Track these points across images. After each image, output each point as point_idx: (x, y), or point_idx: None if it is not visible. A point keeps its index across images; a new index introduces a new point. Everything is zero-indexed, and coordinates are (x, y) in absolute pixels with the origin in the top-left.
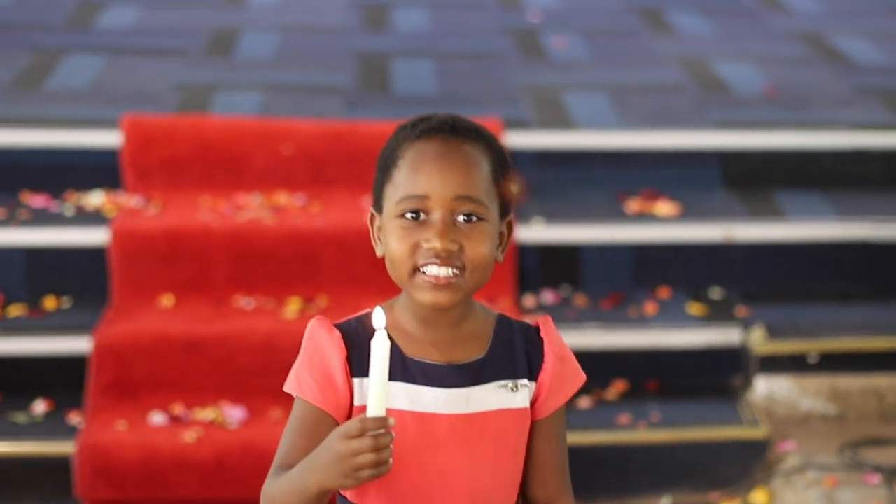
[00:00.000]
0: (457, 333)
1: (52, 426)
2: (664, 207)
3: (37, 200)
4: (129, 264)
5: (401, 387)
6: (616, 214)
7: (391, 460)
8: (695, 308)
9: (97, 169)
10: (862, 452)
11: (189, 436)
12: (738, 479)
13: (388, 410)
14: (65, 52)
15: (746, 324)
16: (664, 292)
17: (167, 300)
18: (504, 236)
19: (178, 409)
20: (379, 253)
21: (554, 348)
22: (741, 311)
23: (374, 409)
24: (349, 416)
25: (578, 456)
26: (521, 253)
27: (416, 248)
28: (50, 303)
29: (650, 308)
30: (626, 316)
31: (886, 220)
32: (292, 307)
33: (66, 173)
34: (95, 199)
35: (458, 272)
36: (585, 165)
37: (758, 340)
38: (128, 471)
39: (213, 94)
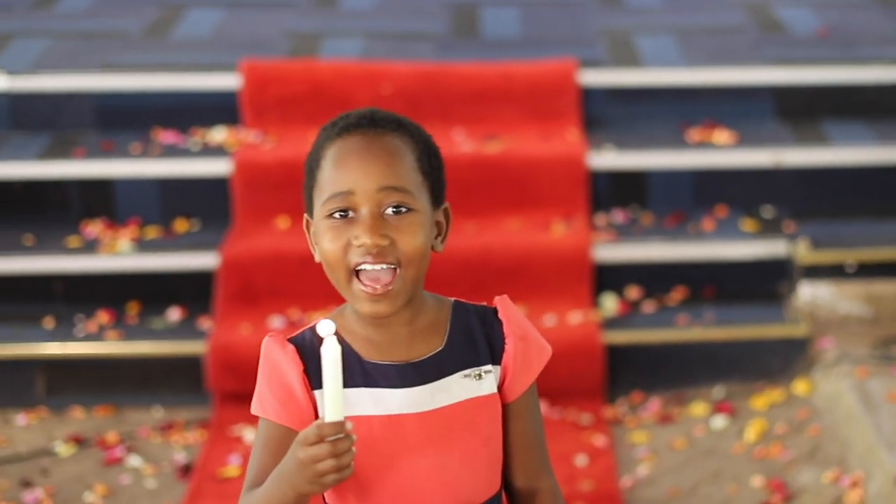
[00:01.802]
0: (412, 330)
1: (186, 330)
2: (722, 136)
3: (166, 137)
4: (249, 191)
5: (364, 392)
6: (679, 143)
7: (353, 464)
8: (748, 224)
9: (219, 108)
10: (892, 348)
11: None
12: (782, 371)
13: (355, 417)
14: (187, 6)
15: (793, 237)
16: (721, 211)
17: (283, 222)
18: (442, 225)
19: (294, 313)
20: (317, 258)
21: (514, 329)
22: (789, 226)
23: (331, 415)
24: None
25: (643, 353)
26: (594, 177)
27: (347, 246)
28: (180, 225)
29: (708, 224)
30: (686, 232)
31: None
32: None
33: (191, 112)
34: (218, 134)
35: (392, 267)
36: (652, 100)
37: (802, 252)
38: (252, 367)
39: (320, 41)
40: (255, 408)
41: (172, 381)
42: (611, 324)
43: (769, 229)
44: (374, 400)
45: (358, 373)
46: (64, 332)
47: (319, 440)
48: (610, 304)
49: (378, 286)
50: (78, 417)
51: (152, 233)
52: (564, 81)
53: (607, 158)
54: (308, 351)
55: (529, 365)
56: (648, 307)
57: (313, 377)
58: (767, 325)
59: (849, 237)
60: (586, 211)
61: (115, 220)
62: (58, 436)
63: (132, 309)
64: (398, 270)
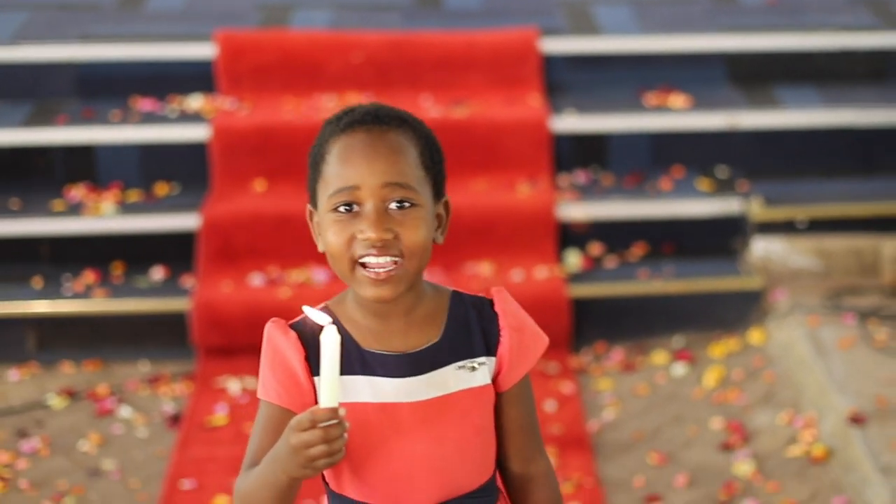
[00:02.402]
0: (410, 320)
1: (169, 288)
2: (678, 100)
3: (145, 104)
4: (227, 156)
5: (362, 380)
6: (636, 107)
7: (344, 450)
8: (703, 184)
9: (195, 77)
10: (841, 299)
11: (283, 292)
12: (738, 322)
13: (351, 403)
14: None
15: (746, 196)
16: (678, 171)
17: (259, 185)
18: (442, 218)
19: (273, 271)
20: (320, 248)
21: (510, 321)
22: (742, 185)
23: (325, 401)
24: None
25: (605, 306)
26: (556, 140)
27: (352, 240)
28: (161, 189)
29: (666, 184)
30: (645, 191)
31: (867, 108)
32: None
33: (168, 81)
34: (195, 102)
35: (396, 260)
36: (611, 66)
37: (756, 209)
38: (233, 322)
39: (290, 12)
40: (259, 390)
41: (158, 336)
42: (575, 278)
43: (724, 188)
44: (371, 387)
45: (356, 360)
46: (52, 292)
47: (312, 426)
48: (574, 259)
49: (381, 271)
50: (68, 372)
51: (134, 196)
52: (526, 49)
53: (568, 122)
54: (309, 337)
55: (525, 355)
56: (610, 262)
57: (314, 363)
58: (723, 278)
59: (799, 195)
60: (550, 172)
61: (98, 184)
62: (50, 389)
63: (117, 269)
64: (401, 262)
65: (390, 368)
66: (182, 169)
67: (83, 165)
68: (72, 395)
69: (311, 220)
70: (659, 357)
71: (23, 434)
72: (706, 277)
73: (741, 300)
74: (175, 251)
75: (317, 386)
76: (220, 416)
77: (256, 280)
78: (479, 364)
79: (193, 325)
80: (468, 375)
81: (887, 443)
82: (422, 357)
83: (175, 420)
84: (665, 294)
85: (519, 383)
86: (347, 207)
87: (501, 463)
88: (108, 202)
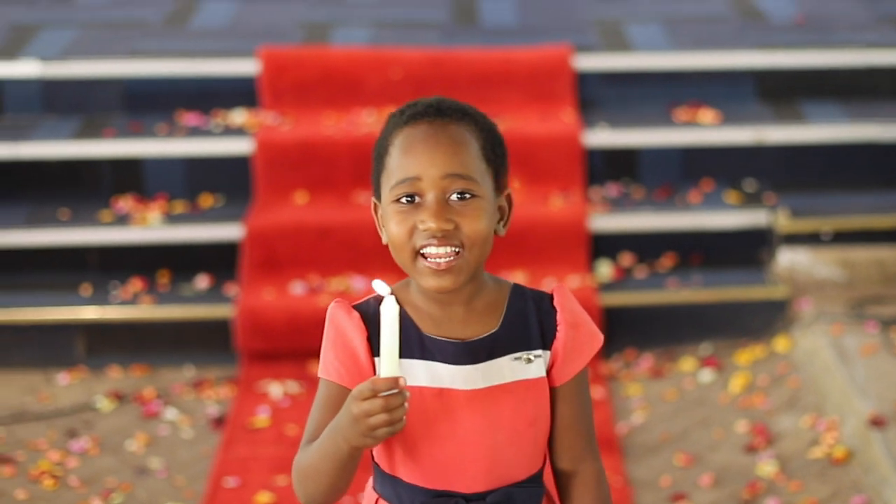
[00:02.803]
0: (470, 309)
1: (213, 296)
2: (707, 116)
3: (190, 119)
4: (269, 169)
5: (420, 364)
6: (667, 122)
7: (405, 419)
8: (732, 196)
9: (239, 92)
10: (864, 308)
11: (323, 300)
12: (763, 330)
13: (409, 387)
14: None
15: (773, 208)
16: (707, 184)
17: (301, 197)
18: (504, 210)
19: (314, 280)
20: (384, 240)
21: (567, 317)
22: (769, 198)
23: (386, 371)
24: None
25: (635, 314)
26: (589, 154)
27: (413, 230)
28: (206, 200)
29: (695, 197)
30: (675, 203)
31: (891, 123)
32: None
33: (213, 96)
34: (239, 116)
35: (457, 250)
36: (642, 82)
37: (782, 221)
38: (275, 328)
39: (331, 30)
40: (320, 369)
41: (202, 342)
42: (606, 287)
43: (751, 201)
44: (429, 372)
45: (416, 345)
46: (100, 299)
47: (373, 395)
48: (605, 269)
49: (442, 262)
50: (116, 376)
51: (179, 207)
52: (560, 66)
53: (601, 137)
54: (371, 318)
55: (580, 352)
56: (640, 272)
57: (375, 344)
58: (750, 287)
59: (825, 208)
60: (582, 185)
61: (145, 195)
62: (98, 392)
63: (163, 277)
64: (462, 253)
65: (448, 355)
66: (226, 181)
67: (130, 177)
68: (119, 398)
69: (376, 212)
70: (687, 364)
71: (72, 434)
72: (733, 287)
73: (767, 309)
74: (219, 260)
75: (377, 365)
76: (262, 418)
77: (298, 288)
78: (535, 357)
79: (237, 331)
80: (523, 367)
81: None
82: (480, 346)
83: (219, 422)
84: (693, 303)
85: (573, 380)
86: (409, 198)
87: (552, 460)
88: (154, 213)
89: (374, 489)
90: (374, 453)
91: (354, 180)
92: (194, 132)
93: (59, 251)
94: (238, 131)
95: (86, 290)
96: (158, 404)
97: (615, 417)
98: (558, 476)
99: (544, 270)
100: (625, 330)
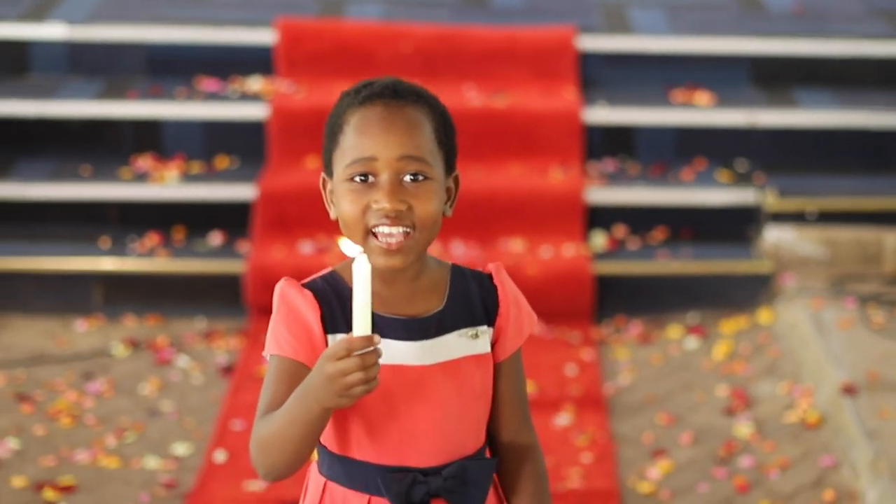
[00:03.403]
0: (415, 288)
1: (226, 252)
2: (702, 98)
3: (209, 84)
4: (283, 134)
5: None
6: (664, 102)
7: (378, 377)
8: (723, 175)
9: (256, 60)
10: (844, 285)
11: (330, 258)
12: (748, 302)
13: None
14: None
15: (762, 188)
16: (700, 163)
17: (312, 161)
18: (451, 191)
19: (322, 240)
20: (333, 215)
21: (508, 295)
22: (759, 178)
23: (360, 329)
24: None
25: (626, 283)
26: (588, 130)
27: (366, 209)
28: (221, 162)
29: (688, 174)
30: (668, 180)
31: (878, 111)
32: None
33: (231, 63)
34: (255, 83)
35: (408, 231)
36: (641, 64)
37: (770, 200)
38: None
39: (346, 4)
40: (270, 348)
41: (214, 295)
42: (600, 257)
43: (741, 180)
44: (381, 349)
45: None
46: (118, 251)
47: (348, 354)
48: (599, 240)
49: (392, 241)
50: (131, 325)
51: (196, 167)
52: (564, 46)
53: (600, 114)
54: (322, 296)
55: (521, 328)
56: (633, 244)
57: (327, 321)
58: (737, 261)
59: (811, 189)
60: (580, 159)
61: (163, 155)
62: (114, 339)
63: (178, 233)
64: (412, 233)
65: (399, 331)
66: (241, 144)
67: (150, 138)
68: (134, 345)
69: (325, 188)
70: (673, 331)
71: (88, 377)
72: (721, 260)
73: (752, 282)
74: (232, 219)
75: (329, 342)
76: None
77: (306, 247)
78: (481, 332)
79: (247, 286)
80: (470, 343)
81: (875, 411)
82: (428, 323)
83: (228, 370)
84: (682, 274)
85: (513, 356)
86: (363, 178)
87: (490, 433)
88: (171, 172)
89: (321, 473)
90: (325, 436)
91: None
92: (212, 97)
93: (80, 205)
94: (254, 97)
95: (105, 242)
96: (171, 352)
97: (603, 378)
98: (497, 448)
99: (541, 239)
100: (616, 297)
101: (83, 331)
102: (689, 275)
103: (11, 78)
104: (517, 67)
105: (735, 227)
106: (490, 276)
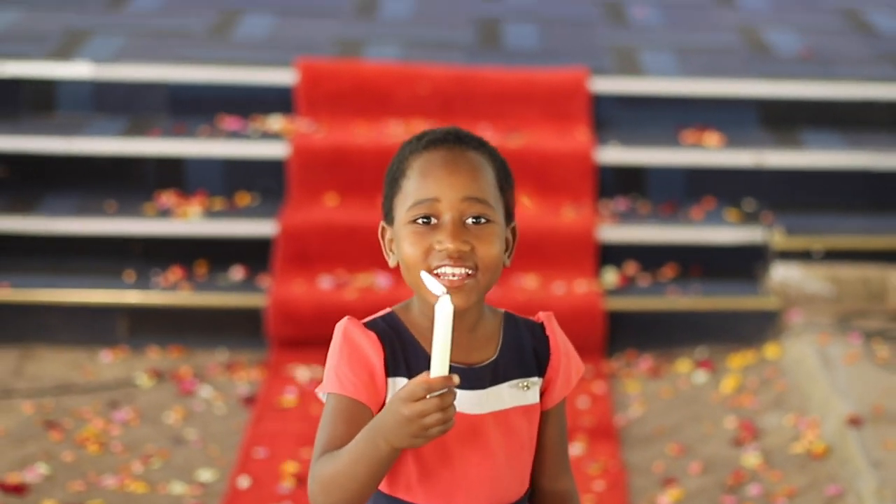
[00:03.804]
0: (471, 338)
1: (247, 287)
2: (712, 139)
3: (230, 123)
4: (303, 171)
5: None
6: (674, 143)
7: (454, 418)
8: (732, 214)
9: (276, 99)
10: (849, 321)
11: (349, 293)
12: (755, 337)
13: None
14: (242, 12)
15: (769, 227)
16: (709, 202)
17: (331, 198)
18: (509, 242)
19: (341, 275)
20: (392, 263)
21: (560, 346)
22: (767, 217)
23: (438, 370)
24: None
25: (637, 319)
26: (600, 170)
27: (429, 251)
28: (242, 199)
29: (697, 213)
30: (678, 219)
31: (884, 153)
32: None
33: (252, 103)
34: (275, 122)
35: (470, 272)
36: (652, 106)
37: (777, 239)
38: (304, 318)
39: (364, 47)
40: (330, 386)
41: (235, 328)
42: (611, 293)
43: (749, 219)
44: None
45: (425, 366)
46: (142, 285)
47: (426, 395)
48: (611, 276)
49: (455, 279)
50: (155, 356)
51: (218, 204)
52: (577, 87)
53: (612, 154)
54: (385, 337)
55: (568, 379)
56: (644, 281)
57: (389, 364)
58: (745, 298)
59: (817, 228)
60: (593, 198)
61: (186, 191)
62: (138, 370)
63: (201, 267)
64: (475, 274)
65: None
66: (262, 182)
67: (173, 175)
68: (158, 375)
69: (383, 237)
70: (683, 365)
71: (114, 406)
72: (729, 297)
73: (760, 318)
74: (253, 254)
75: (390, 387)
76: (289, 398)
77: (326, 282)
78: (532, 384)
79: (268, 319)
80: (521, 394)
81: (880, 442)
82: (483, 372)
83: (249, 400)
84: (691, 310)
85: (559, 405)
86: (426, 220)
87: (532, 478)
88: (194, 208)
89: None
90: None
91: (381, 185)
92: (234, 135)
93: (105, 240)
94: (274, 136)
95: (129, 276)
96: (194, 382)
97: (614, 410)
98: (538, 494)
99: (554, 275)
100: (627, 332)
101: (108, 362)
102: (699, 311)
103: (38, 115)
104: (531, 108)
105: (743, 264)
106: (542, 326)
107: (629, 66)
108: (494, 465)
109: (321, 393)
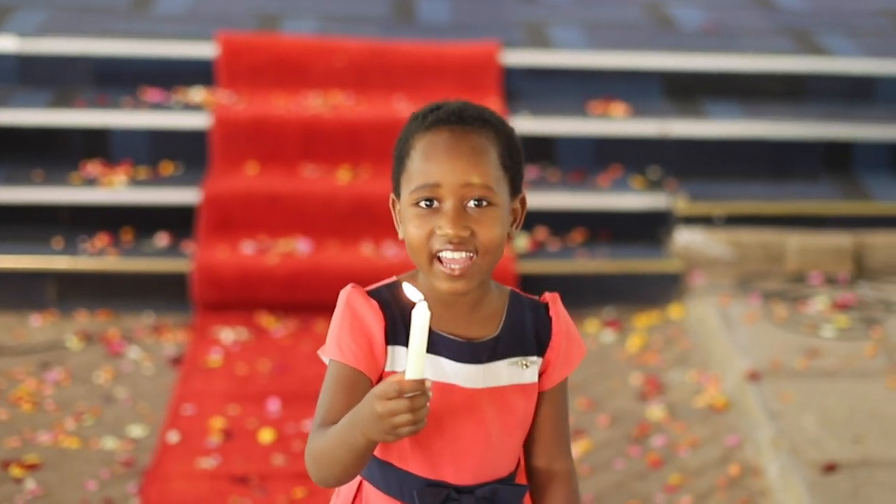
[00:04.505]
0: (474, 312)
1: (172, 253)
2: (618, 109)
3: (153, 94)
4: (225, 141)
5: (427, 357)
6: (582, 113)
7: (426, 419)
8: (637, 182)
9: (197, 72)
10: (749, 283)
11: (270, 258)
12: (660, 299)
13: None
14: None
15: (673, 193)
16: (616, 170)
17: (252, 167)
18: (517, 212)
19: (263, 241)
20: (400, 235)
21: (562, 326)
22: (671, 184)
23: (412, 373)
24: (380, 380)
25: (547, 281)
26: None
27: (431, 234)
28: (166, 168)
29: (604, 181)
30: (586, 186)
31: (782, 122)
32: (343, 173)
33: (174, 75)
34: (197, 94)
35: (471, 255)
36: (561, 78)
37: (681, 205)
38: (227, 282)
39: (282, 20)
40: (330, 351)
41: (161, 293)
42: (523, 257)
43: (654, 186)
44: (434, 366)
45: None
46: (70, 251)
47: (399, 395)
48: (522, 241)
49: (456, 267)
50: (83, 320)
51: (142, 173)
52: (488, 60)
53: (523, 124)
54: (387, 308)
55: (569, 360)
56: (553, 245)
57: (390, 333)
58: (650, 261)
59: (719, 194)
60: None
61: (111, 161)
62: (68, 332)
63: (127, 234)
64: (475, 258)
65: (454, 352)
66: (184, 151)
67: (98, 145)
68: (87, 338)
69: (394, 207)
70: (591, 325)
71: (46, 367)
72: (635, 260)
73: (664, 281)
74: (177, 221)
75: (388, 354)
76: (215, 357)
77: (248, 248)
78: (531, 363)
79: (193, 283)
80: (519, 372)
81: (777, 395)
82: (482, 348)
83: (176, 361)
84: (599, 273)
85: (559, 385)
86: (428, 203)
87: (527, 458)
88: (119, 177)
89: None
90: None
91: (301, 154)
92: (157, 106)
93: (33, 208)
94: (196, 107)
95: (58, 243)
96: (122, 344)
97: None
98: (532, 474)
99: None
100: (537, 294)
101: (38, 325)
102: (606, 273)
103: None
104: (444, 80)
105: (648, 229)
106: (546, 306)
107: (539, 40)
108: (486, 439)
109: (324, 356)
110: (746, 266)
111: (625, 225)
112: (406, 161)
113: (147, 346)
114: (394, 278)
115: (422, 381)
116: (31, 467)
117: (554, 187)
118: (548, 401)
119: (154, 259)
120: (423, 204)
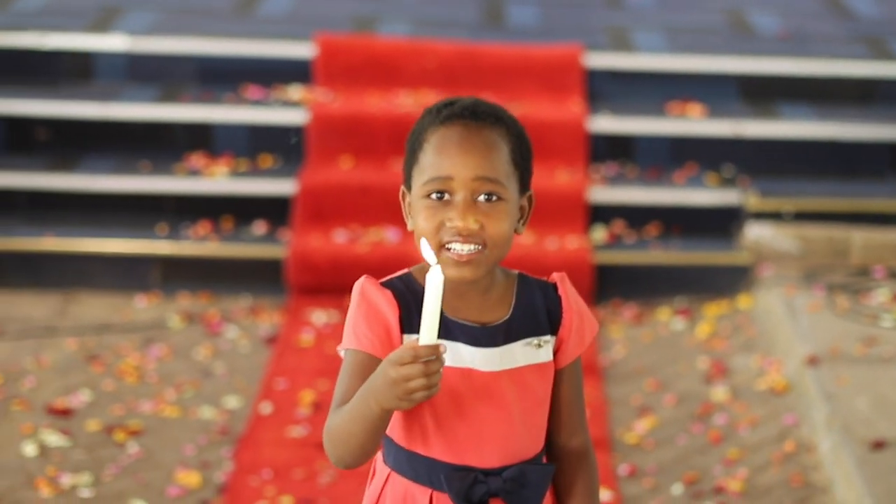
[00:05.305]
0: (484, 299)
1: (269, 240)
2: (695, 110)
3: (254, 92)
4: (321, 136)
5: (445, 344)
6: (660, 114)
7: (440, 384)
8: (711, 179)
9: (296, 71)
10: (815, 276)
11: (361, 246)
12: (729, 289)
13: None
14: None
15: (745, 190)
16: (691, 168)
17: (346, 161)
18: (525, 210)
19: (355, 230)
20: (410, 227)
21: (572, 305)
22: (743, 181)
23: (426, 338)
24: None
25: (622, 272)
26: (592, 138)
27: (440, 226)
28: (265, 160)
29: (680, 178)
30: (662, 182)
31: (852, 125)
32: None
33: (273, 73)
34: (295, 92)
35: (479, 248)
36: (641, 80)
37: (752, 201)
38: (320, 268)
39: (377, 23)
40: (348, 342)
41: (258, 277)
42: (599, 248)
43: (727, 183)
44: (452, 352)
45: (441, 326)
46: (174, 237)
47: (413, 360)
48: (599, 234)
49: (464, 253)
50: (185, 302)
51: (242, 165)
52: (572, 62)
53: (603, 124)
54: (400, 296)
55: (582, 338)
56: (629, 238)
57: (405, 321)
58: (720, 253)
59: (788, 191)
60: (585, 163)
61: (213, 154)
62: (170, 312)
63: (227, 222)
64: (483, 250)
65: (470, 337)
66: (282, 145)
67: (201, 138)
68: (188, 318)
69: (404, 199)
70: (663, 314)
71: (149, 343)
72: (707, 253)
73: (734, 272)
74: (274, 210)
75: (404, 342)
76: (307, 337)
77: (340, 236)
78: (545, 342)
79: (288, 268)
80: (534, 352)
81: (833, 378)
82: (496, 331)
83: (271, 340)
84: (672, 264)
85: (573, 363)
86: (439, 195)
87: (547, 435)
88: (221, 168)
89: (386, 463)
90: (389, 429)
91: (391, 150)
92: (257, 103)
93: (140, 197)
94: (294, 104)
95: (162, 229)
96: (221, 324)
97: (599, 351)
98: (553, 450)
99: (549, 232)
100: (613, 284)
101: (143, 306)
102: (678, 265)
103: (77, 84)
104: (530, 81)
105: (720, 224)
106: (554, 286)
107: (621, 44)
108: (509, 421)
109: (341, 350)
110: (812, 260)
111: (698, 219)
112: (419, 154)
113: (244, 326)
114: (405, 270)
115: (436, 346)
116: (134, 433)
117: (631, 183)
118: (563, 379)
119: (252, 245)
120: (434, 196)
